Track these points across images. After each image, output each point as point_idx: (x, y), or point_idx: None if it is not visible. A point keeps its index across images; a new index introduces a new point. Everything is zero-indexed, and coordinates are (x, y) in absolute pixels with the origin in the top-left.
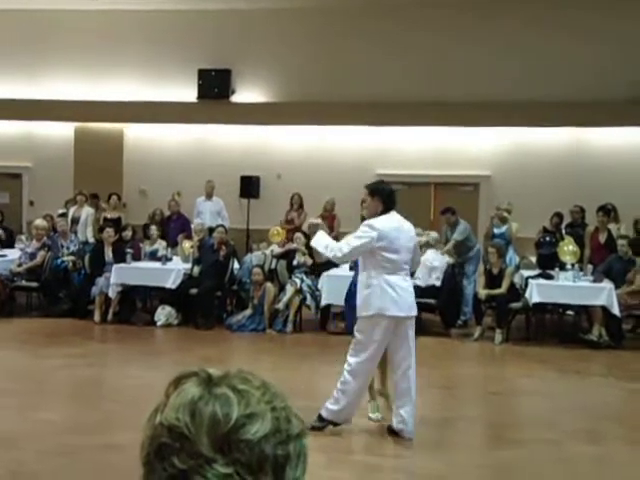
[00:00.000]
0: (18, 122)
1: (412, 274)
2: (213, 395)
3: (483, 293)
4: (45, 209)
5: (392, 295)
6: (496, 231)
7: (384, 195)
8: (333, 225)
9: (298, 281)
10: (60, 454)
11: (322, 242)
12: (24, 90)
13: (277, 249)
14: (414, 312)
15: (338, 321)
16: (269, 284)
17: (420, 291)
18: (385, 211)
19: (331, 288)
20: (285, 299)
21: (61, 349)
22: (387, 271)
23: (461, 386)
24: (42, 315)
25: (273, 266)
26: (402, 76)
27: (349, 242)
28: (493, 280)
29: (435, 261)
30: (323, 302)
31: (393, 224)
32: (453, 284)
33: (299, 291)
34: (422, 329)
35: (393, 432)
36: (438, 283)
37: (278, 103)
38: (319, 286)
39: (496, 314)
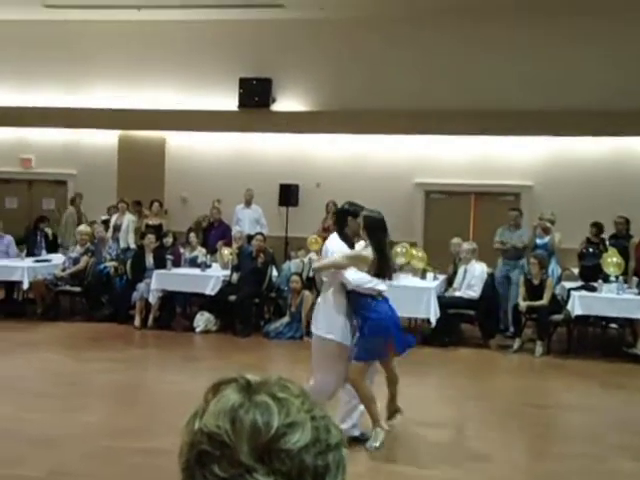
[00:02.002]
0: (64, 130)
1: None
2: (253, 403)
3: (524, 304)
4: (89, 215)
5: None
6: (539, 242)
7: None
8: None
9: None
10: (99, 456)
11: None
12: (70, 99)
13: (315, 257)
14: (312, 328)
15: None
16: (307, 292)
17: (459, 302)
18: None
19: None
20: None
21: (102, 353)
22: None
23: (499, 398)
24: (85, 319)
25: (311, 274)
26: (441, 84)
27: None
28: (534, 291)
29: (476, 272)
30: None
31: None
32: (492, 294)
33: None
34: (461, 340)
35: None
36: (475, 295)
37: (317, 112)
38: None
39: (537, 326)
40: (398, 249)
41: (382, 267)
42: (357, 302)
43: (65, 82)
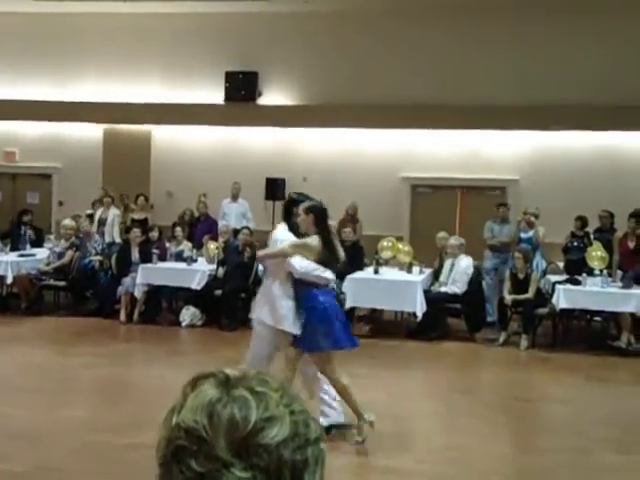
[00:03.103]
0: (48, 124)
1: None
2: (231, 397)
3: (509, 298)
4: (74, 209)
5: None
6: (523, 236)
7: None
8: (355, 228)
9: None
10: (84, 452)
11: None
12: (54, 92)
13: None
14: (254, 315)
15: (363, 324)
16: None
17: (445, 296)
18: None
19: (356, 291)
20: None
21: (87, 348)
22: None
23: (486, 392)
24: (69, 314)
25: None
26: (428, 79)
27: None
28: (519, 285)
29: (462, 266)
30: (347, 305)
31: None
32: (478, 288)
33: None
34: (447, 334)
35: None
36: (460, 290)
37: (304, 105)
38: (343, 289)
39: (522, 319)
40: (384, 243)
41: (328, 256)
42: (302, 292)
43: (50, 75)
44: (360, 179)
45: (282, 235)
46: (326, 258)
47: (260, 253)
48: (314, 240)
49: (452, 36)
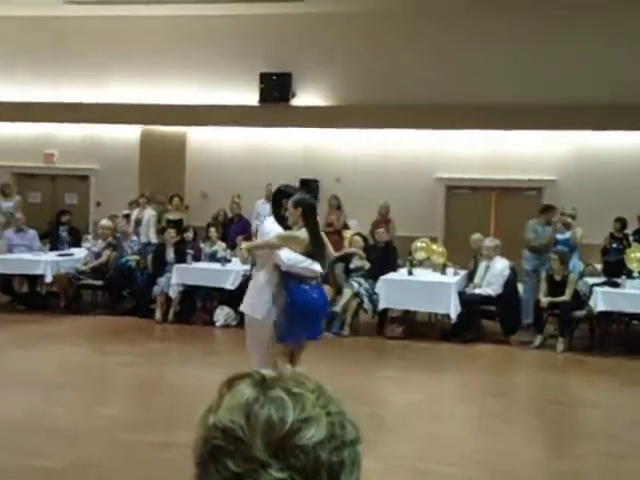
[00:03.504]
0: (86, 125)
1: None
2: (268, 398)
3: (545, 300)
4: (111, 210)
5: None
6: (560, 237)
7: None
8: (388, 229)
9: (355, 284)
10: (120, 449)
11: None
12: (92, 94)
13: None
14: (241, 307)
15: (396, 326)
16: (326, 287)
17: (480, 298)
18: None
19: (389, 292)
20: (342, 302)
21: (124, 346)
22: None
23: (520, 395)
24: (106, 313)
25: (330, 269)
26: (462, 78)
27: None
28: (556, 287)
29: (497, 269)
30: (380, 306)
31: None
32: (513, 290)
33: (356, 295)
34: (481, 336)
35: None
36: (496, 292)
37: (338, 106)
38: (376, 290)
39: (559, 322)
40: (418, 244)
41: (316, 250)
42: (288, 284)
43: (88, 78)
44: (394, 180)
45: (270, 227)
46: (314, 251)
47: (245, 245)
48: (302, 233)
49: (486, 36)
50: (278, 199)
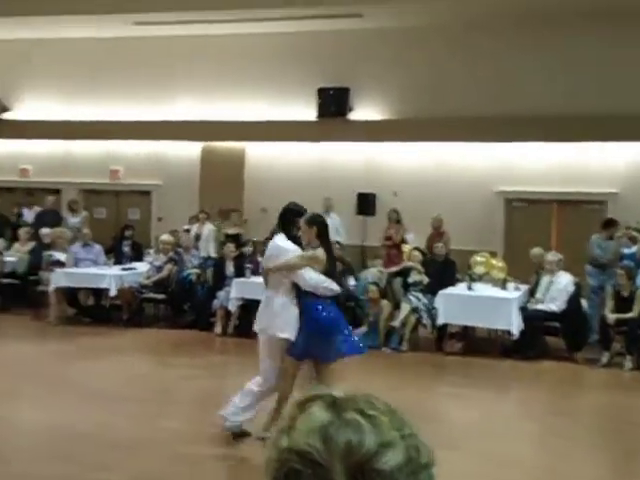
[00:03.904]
0: (149, 142)
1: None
2: (344, 421)
3: (612, 317)
4: (172, 225)
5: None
6: (626, 251)
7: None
8: (441, 242)
9: (414, 299)
10: (181, 462)
11: None
12: (155, 112)
13: (385, 267)
14: (256, 327)
15: (455, 342)
16: (384, 301)
17: (543, 314)
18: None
19: (448, 307)
20: (401, 317)
21: (184, 359)
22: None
23: (584, 414)
24: (168, 326)
25: (387, 283)
26: (519, 91)
27: None
28: (623, 303)
29: (562, 283)
30: (439, 321)
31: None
32: (578, 306)
33: (415, 309)
34: (545, 353)
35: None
36: (560, 308)
37: (395, 120)
38: (435, 305)
39: (626, 339)
40: (477, 258)
41: (331, 268)
42: (305, 302)
43: (153, 96)
44: (451, 193)
45: (289, 246)
46: (331, 270)
47: (270, 265)
48: (321, 252)
49: (539, 48)
50: (289, 217)
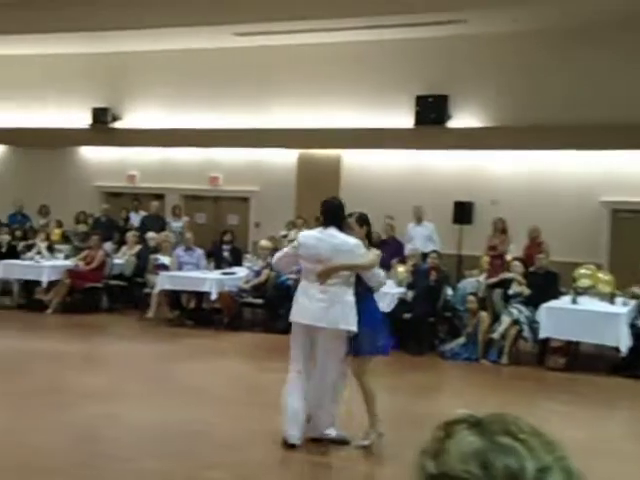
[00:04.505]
0: (248, 150)
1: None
2: (498, 445)
3: None
4: (269, 230)
5: (303, 303)
6: None
7: (324, 209)
8: (536, 254)
9: (515, 311)
10: (281, 466)
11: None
12: (254, 120)
13: (488, 277)
14: (322, 323)
15: (558, 357)
16: (484, 313)
17: None
18: (322, 223)
19: (551, 320)
20: (501, 329)
21: (281, 364)
22: (308, 280)
23: None
24: (264, 330)
25: (486, 294)
26: (629, 96)
27: (277, 254)
28: None
29: None
30: (542, 335)
31: (318, 235)
32: None
33: (516, 322)
34: None
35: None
36: None
37: (494, 127)
38: (537, 318)
39: None
40: (582, 271)
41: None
42: (365, 297)
43: (251, 105)
44: (554, 203)
45: (356, 240)
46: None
47: (359, 262)
48: (378, 252)
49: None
50: (340, 214)
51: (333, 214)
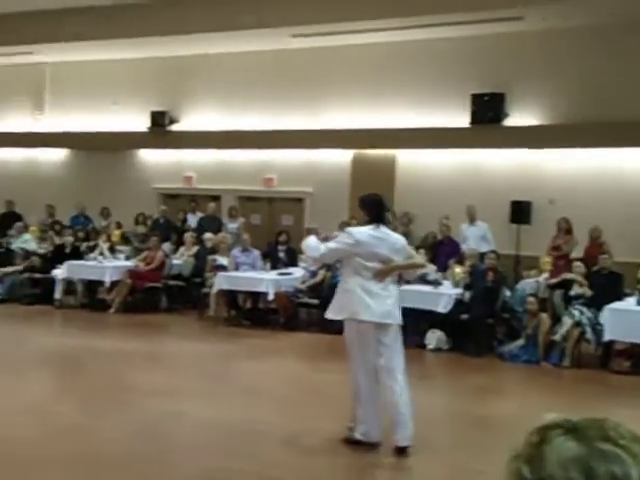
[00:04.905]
0: (301, 151)
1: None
2: (599, 451)
3: None
4: (323, 231)
5: (366, 300)
6: None
7: (369, 207)
8: (597, 254)
9: (577, 313)
10: (350, 470)
11: (307, 242)
12: (308, 121)
13: (551, 278)
14: (389, 320)
15: (623, 359)
16: (544, 315)
17: None
18: (370, 222)
19: (615, 323)
20: (562, 331)
21: (336, 365)
22: (364, 277)
23: None
24: (320, 330)
25: (547, 295)
26: None
27: (328, 245)
28: None
29: None
30: (605, 337)
31: (373, 233)
32: None
33: (578, 324)
34: None
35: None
36: None
37: (552, 125)
38: (601, 320)
39: None
40: None
41: None
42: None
43: (306, 106)
44: (613, 201)
45: (404, 240)
46: None
47: (409, 265)
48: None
49: None
50: (384, 209)
51: (379, 210)
